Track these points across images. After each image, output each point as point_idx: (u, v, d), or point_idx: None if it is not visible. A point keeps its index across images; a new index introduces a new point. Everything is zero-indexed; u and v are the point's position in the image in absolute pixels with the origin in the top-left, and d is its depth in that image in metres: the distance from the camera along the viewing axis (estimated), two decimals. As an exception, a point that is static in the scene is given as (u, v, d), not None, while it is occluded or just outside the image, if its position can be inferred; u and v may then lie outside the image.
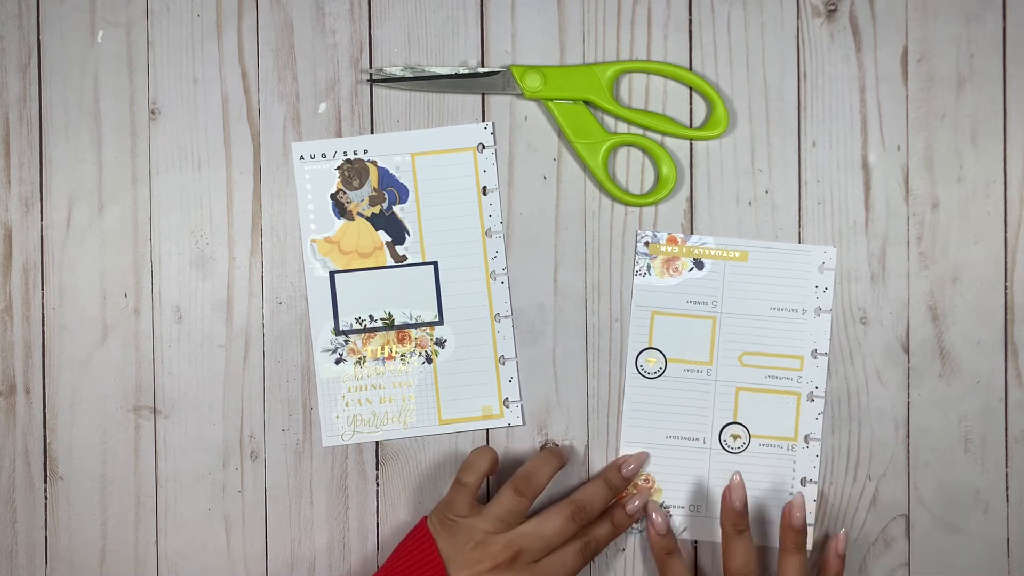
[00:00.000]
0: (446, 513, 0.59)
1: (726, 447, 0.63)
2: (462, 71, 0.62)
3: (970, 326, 0.63)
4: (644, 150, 0.63)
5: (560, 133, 0.63)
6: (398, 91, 0.63)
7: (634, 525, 0.63)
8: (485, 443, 0.64)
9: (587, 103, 0.62)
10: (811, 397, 0.63)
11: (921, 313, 0.63)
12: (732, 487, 0.61)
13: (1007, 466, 0.63)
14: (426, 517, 0.60)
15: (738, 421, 0.63)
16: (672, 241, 0.63)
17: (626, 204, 0.63)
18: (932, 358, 0.63)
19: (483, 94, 0.63)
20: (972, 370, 0.63)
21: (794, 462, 0.63)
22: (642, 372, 0.63)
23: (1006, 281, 0.63)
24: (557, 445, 0.63)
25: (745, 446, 0.63)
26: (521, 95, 0.62)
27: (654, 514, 0.61)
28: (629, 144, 0.63)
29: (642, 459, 0.62)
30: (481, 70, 0.62)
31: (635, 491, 0.63)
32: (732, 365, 0.63)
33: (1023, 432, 0.63)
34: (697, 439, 0.63)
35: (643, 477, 0.63)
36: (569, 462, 0.63)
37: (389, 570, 0.58)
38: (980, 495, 0.63)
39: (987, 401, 0.63)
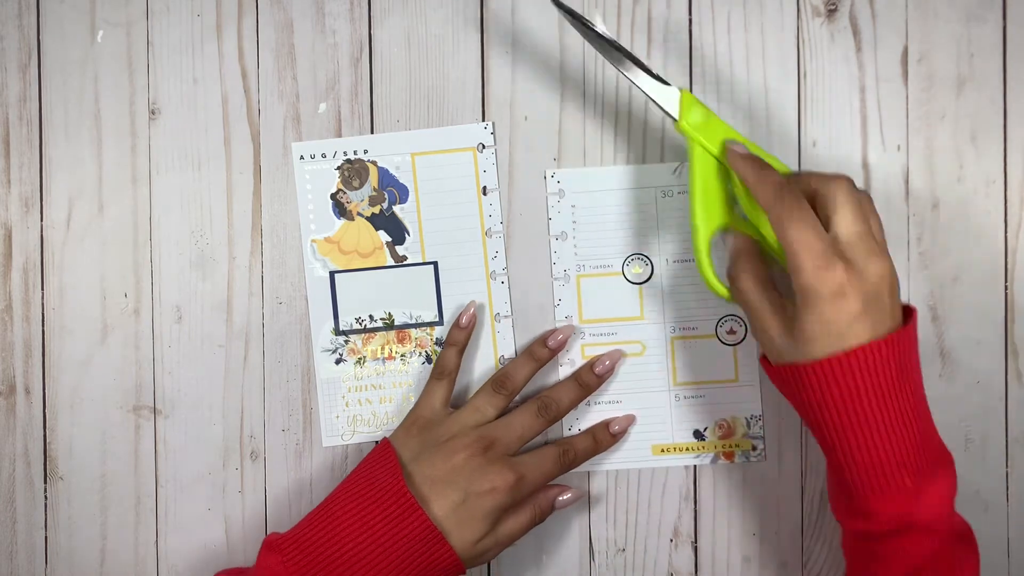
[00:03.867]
0: (417, 417, 0.60)
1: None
2: (644, 62, 0.56)
3: (970, 326, 0.63)
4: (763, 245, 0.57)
5: (688, 181, 0.57)
6: (398, 91, 0.63)
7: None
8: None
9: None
10: None
11: (921, 313, 0.63)
12: (607, 355, 0.62)
13: (1007, 466, 0.63)
14: (386, 437, 0.61)
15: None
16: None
17: (718, 295, 0.57)
18: (932, 358, 0.63)
19: (633, 86, 0.57)
20: (972, 370, 0.63)
21: None
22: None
23: (1006, 281, 0.63)
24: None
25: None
26: (674, 119, 0.56)
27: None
28: (748, 233, 0.56)
29: (615, 359, 0.62)
30: (654, 72, 0.56)
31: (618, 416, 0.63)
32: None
33: (1023, 432, 0.63)
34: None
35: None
36: (551, 360, 0.62)
37: (349, 481, 0.58)
38: (980, 495, 0.63)
39: (987, 401, 0.63)
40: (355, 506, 0.56)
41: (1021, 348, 0.63)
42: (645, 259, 0.63)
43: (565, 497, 0.60)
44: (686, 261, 0.63)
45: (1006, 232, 0.63)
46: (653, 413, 0.63)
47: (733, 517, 0.63)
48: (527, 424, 0.59)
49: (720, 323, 0.63)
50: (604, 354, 0.62)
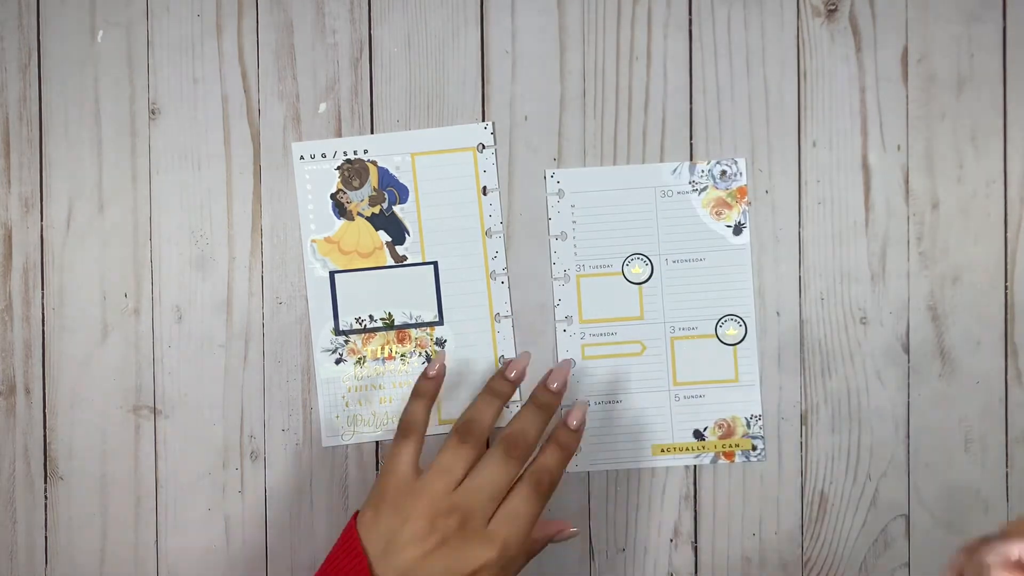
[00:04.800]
0: (384, 490, 0.54)
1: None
2: None
3: (970, 326, 0.63)
4: None
5: None
6: (398, 91, 0.63)
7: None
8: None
9: None
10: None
11: (921, 313, 0.63)
12: (557, 369, 0.59)
13: (1007, 466, 0.63)
14: (358, 511, 0.55)
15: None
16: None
17: None
18: (932, 358, 0.63)
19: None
20: (972, 370, 0.63)
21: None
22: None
23: (1006, 281, 0.63)
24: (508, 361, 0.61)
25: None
26: None
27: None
28: None
29: (565, 370, 0.59)
30: None
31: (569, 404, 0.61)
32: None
33: (1023, 432, 0.63)
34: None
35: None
36: (513, 398, 0.60)
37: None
38: (980, 495, 0.63)
39: (987, 401, 0.63)
40: None
41: (1021, 348, 0.63)
42: (645, 259, 0.63)
43: (563, 535, 0.57)
44: (686, 261, 0.63)
45: (1006, 232, 0.63)
46: (653, 413, 0.63)
47: (733, 517, 0.63)
48: (497, 475, 0.53)
49: (720, 323, 0.63)
50: (554, 369, 0.60)
